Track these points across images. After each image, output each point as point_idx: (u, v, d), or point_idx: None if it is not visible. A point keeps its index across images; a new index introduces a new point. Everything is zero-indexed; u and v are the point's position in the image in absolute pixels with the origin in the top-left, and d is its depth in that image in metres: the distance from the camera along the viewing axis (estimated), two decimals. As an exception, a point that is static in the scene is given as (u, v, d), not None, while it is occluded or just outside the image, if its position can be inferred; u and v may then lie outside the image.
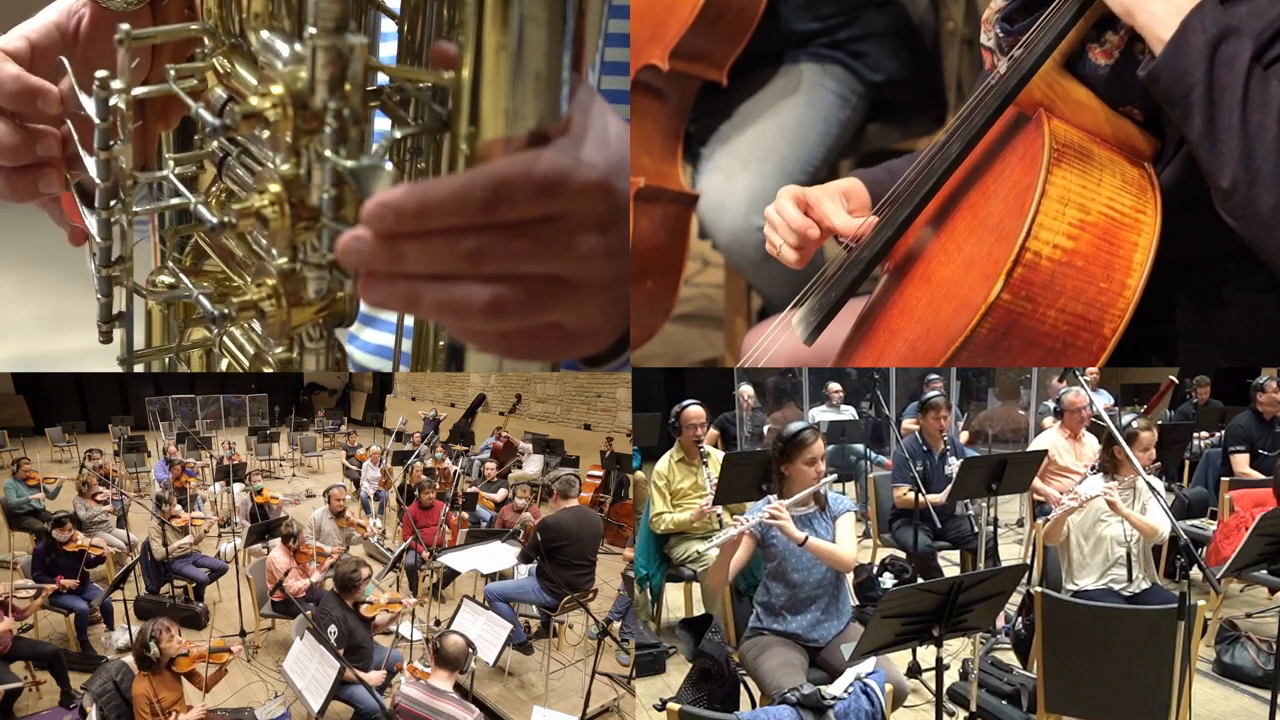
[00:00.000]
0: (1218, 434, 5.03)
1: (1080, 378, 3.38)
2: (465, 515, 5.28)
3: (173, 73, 1.08)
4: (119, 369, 1.15)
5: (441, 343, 1.11)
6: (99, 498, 5.13)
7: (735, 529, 2.38)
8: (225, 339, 1.19)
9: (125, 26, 1.00)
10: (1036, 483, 3.84)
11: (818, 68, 2.79)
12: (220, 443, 8.69)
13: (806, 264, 1.75)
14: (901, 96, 2.91)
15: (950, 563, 4.15)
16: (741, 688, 2.50)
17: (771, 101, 2.75)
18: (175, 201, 1.10)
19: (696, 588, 3.73)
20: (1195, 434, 5.22)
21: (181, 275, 1.15)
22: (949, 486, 3.63)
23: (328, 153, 0.90)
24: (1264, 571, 3.41)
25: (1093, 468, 3.12)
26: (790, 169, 2.67)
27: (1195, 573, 3.79)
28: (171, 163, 1.13)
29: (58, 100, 1.13)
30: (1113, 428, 2.77)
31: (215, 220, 0.99)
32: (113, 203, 1.05)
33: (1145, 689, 2.29)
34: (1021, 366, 1.62)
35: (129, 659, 2.80)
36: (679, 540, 3.57)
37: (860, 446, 5.78)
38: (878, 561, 3.90)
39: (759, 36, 2.58)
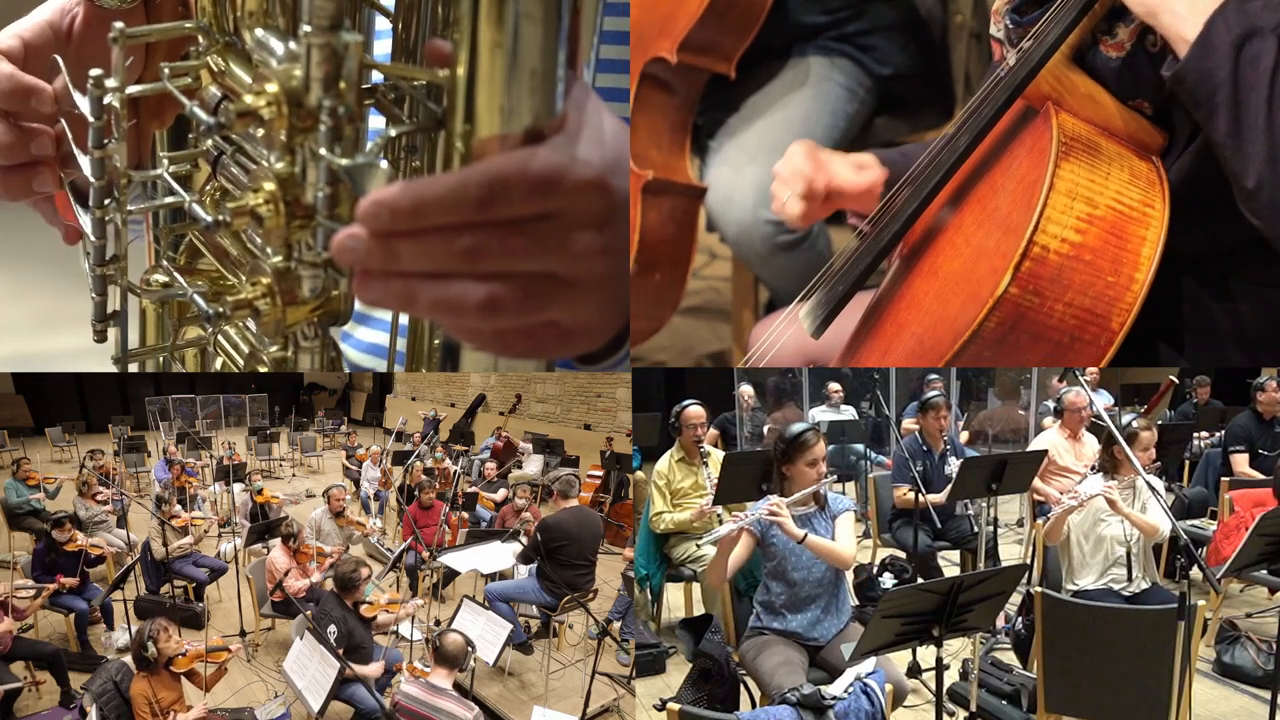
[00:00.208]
0: (1218, 434, 5.03)
1: (1080, 378, 3.37)
2: (465, 515, 5.28)
3: (167, 71, 1.08)
4: (114, 368, 1.14)
5: (437, 341, 1.10)
6: (99, 498, 5.13)
7: (733, 525, 2.38)
8: (220, 338, 1.18)
9: (119, 25, 0.99)
10: (1036, 483, 3.84)
11: (826, 61, 2.79)
12: (220, 443, 8.69)
13: (809, 223, 1.74)
14: (909, 90, 2.91)
15: (950, 563, 4.15)
16: (741, 688, 2.50)
17: (779, 95, 2.75)
18: (170, 200, 1.09)
19: (696, 588, 3.72)
20: (1195, 434, 5.22)
21: (176, 274, 1.15)
22: (949, 486, 3.63)
23: (322, 151, 0.90)
24: (1264, 571, 3.40)
25: (1093, 468, 3.11)
26: None
27: (1195, 573, 3.78)
28: (166, 161, 1.13)
29: (52, 99, 1.13)
30: (1113, 428, 2.76)
31: (210, 219, 0.99)
32: (107, 201, 1.05)
33: (1145, 689, 2.29)
34: (1029, 360, 1.61)
35: (129, 659, 2.80)
36: (679, 540, 3.56)
37: (860, 446, 5.78)
38: (878, 561, 3.90)
39: (767, 29, 2.58)
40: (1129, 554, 2.82)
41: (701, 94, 2.66)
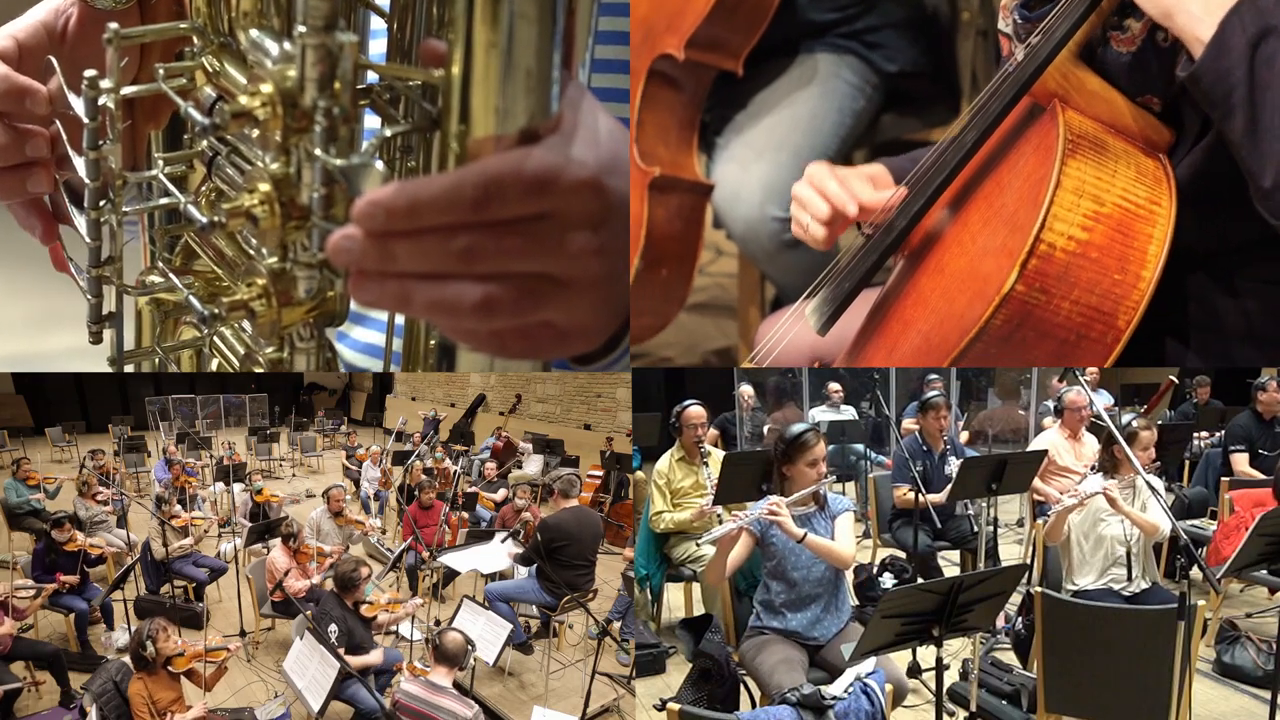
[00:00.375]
0: (1218, 434, 5.03)
1: (1080, 377, 3.37)
2: (465, 515, 5.28)
3: (162, 72, 1.08)
4: (109, 369, 1.14)
5: (433, 342, 1.10)
6: (99, 498, 5.13)
7: (733, 524, 2.38)
8: (216, 339, 1.18)
9: (114, 25, 0.99)
10: (1036, 483, 3.84)
11: (833, 58, 2.79)
12: (220, 443, 8.70)
13: (832, 245, 1.74)
14: (917, 87, 2.92)
15: (950, 563, 4.15)
16: (741, 688, 2.50)
17: (787, 91, 2.75)
18: (165, 201, 1.09)
19: (696, 588, 3.73)
20: (1195, 434, 5.22)
21: (171, 275, 1.14)
22: (949, 486, 3.62)
23: (317, 151, 0.89)
24: (1264, 571, 3.40)
25: (1093, 467, 3.11)
26: (805, 159, 2.63)
27: (1195, 573, 3.78)
28: (161, 162, 1.12)
29: (46, 100, 1.13)
30: (1112, 427, 2.76)
31: (205, 220, 0.99)
32: (102, 203, 1.04)
33: (1145, 689, 2.29)
34: (1036, 357, 1.61)
35: (129, 659, 2.80)
36: (679, 540, 3.56)
37: (860, 446, 5.78)
38: (878, 561, 3.89)
39: (775, 26, 2.58)
40: (1129, 554, 2.82)
41: (709, 91, 2.66)
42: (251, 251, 1.06)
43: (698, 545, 3.48)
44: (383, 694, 3.09)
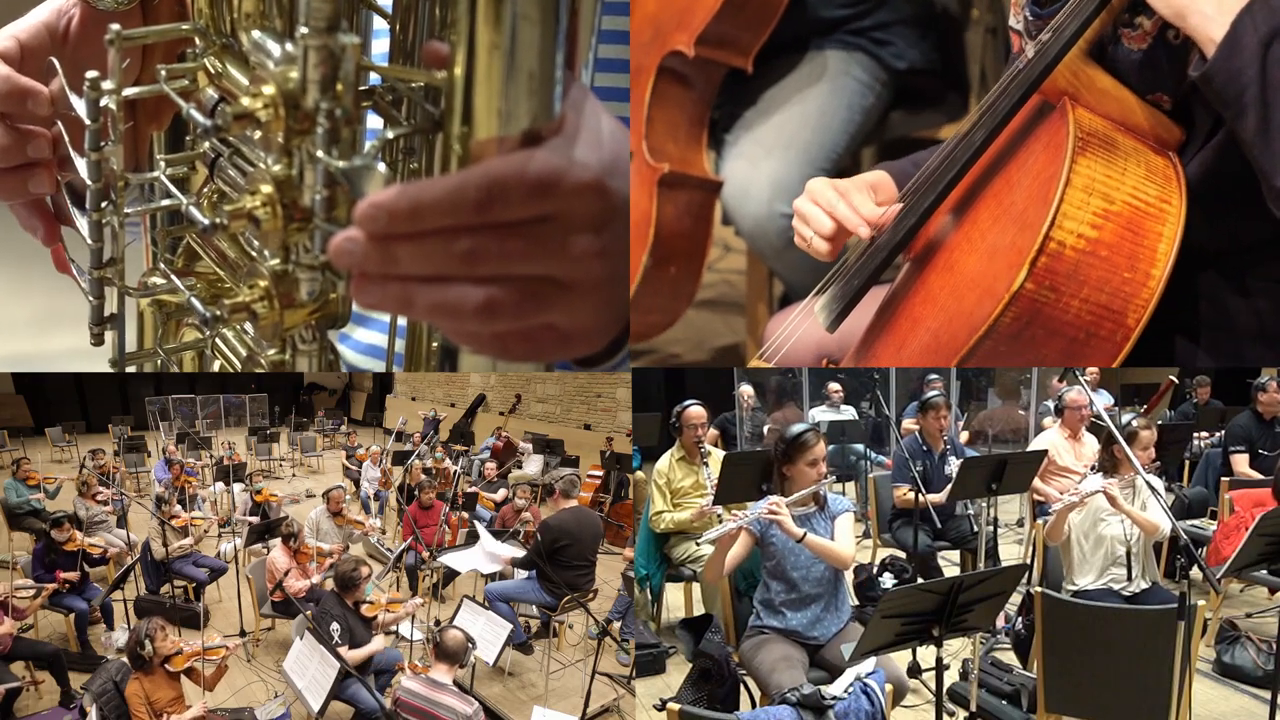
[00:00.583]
0: (1218, 434, 5.03)
1: (1080, 377, 3.37)
2: (465, 515, 5.28)
3: (164, 73, 1.08)
4: (110, 370, 1.14)
5: (435, 343, 1.10)
6: (99, 498, 5.13)
7: (732, 523, 2.39)
8: (217, 340, 1.18)
9: (116, 27, 0.99)
10: (1036, 483, 3.83)
11: (843, 55, 2.79)
12: (220, 443, 8.70)
13: (837, 255, 1.74)
14: (925, 84, 2.92)
15: (950, 563, 4.14)
16: (741, 688, 2.49)
17: (796, 89, 2.75)
18: (167, 203, 1.09)
19: (696, 588, 3.72)
20: (1195, 434, 5.22)
21: (173, 277, 1.14)
22: (949, 486, 3.62)
23: (320, 153, 0.89)
24: (1264, 571, 3.40)
25: (1093, 467, 3.11)
26: (814, 156, 2.68)
27: (1195, 573, 3.78)
28: (163, 164, 1.13)
29: (48, 101, 1.13)
30: (1112, 427, 2.76)
31: (207, 221, 0.99)
32: (104, 204, 1.04)
33: (1145, 689, 2.29)
34: (1045, 355, 1.61)
35: (127, 659, 2.80)
36: (679, 540, 3.56)
37: (860, 446, 5.78)
38: (878, 561, 3.89)
39: (784, 23, 2.59)
40: (1129, 553, 2.82)
41: (719, 88, 2.67)
42: (253, 253, 1.07)
43: (698, 545, 3.48)
44: (383, 694, 3.09)
